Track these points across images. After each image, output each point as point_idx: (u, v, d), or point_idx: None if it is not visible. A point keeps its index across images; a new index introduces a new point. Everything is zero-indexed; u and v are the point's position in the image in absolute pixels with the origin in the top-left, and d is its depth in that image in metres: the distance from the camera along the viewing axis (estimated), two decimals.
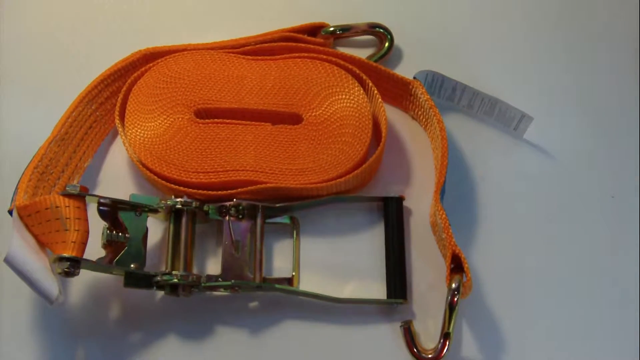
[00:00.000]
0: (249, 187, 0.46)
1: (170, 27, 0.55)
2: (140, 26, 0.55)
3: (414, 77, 0.49)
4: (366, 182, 0.49)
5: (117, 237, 0.44)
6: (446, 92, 0.50)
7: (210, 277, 0.46)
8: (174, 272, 0.44)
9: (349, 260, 0.47)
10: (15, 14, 0.55)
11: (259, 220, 0.47)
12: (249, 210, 0.47)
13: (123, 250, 0.44)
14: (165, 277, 0.44)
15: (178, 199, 0.46)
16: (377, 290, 0.46)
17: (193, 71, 0.49)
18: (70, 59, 0.54)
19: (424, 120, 0.50)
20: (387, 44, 0.52)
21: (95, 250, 0.43)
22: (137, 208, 0.45)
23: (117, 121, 0.48)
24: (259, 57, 0.50)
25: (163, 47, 0.50)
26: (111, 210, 0.45)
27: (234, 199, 0.46)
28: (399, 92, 0.50)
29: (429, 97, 0.48)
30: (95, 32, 0.55)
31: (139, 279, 0.44)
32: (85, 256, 0.42)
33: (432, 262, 0.47)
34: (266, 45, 0.50)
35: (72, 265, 0.41)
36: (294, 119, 0.48)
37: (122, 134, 0.48)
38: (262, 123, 0.48)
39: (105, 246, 0.44)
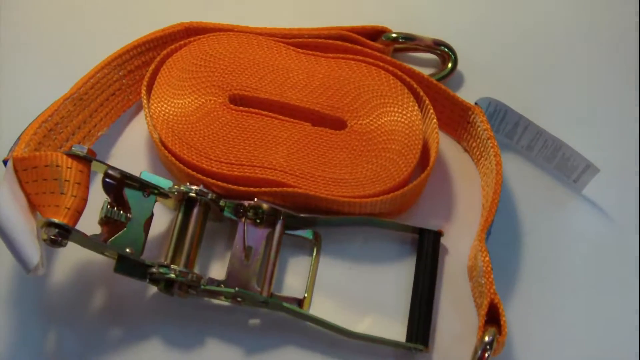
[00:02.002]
0: (274, 189, 0.41)
1: (221, 5, 0.51)
2: None
3: (475, 103, 0.44)
4: (404, 208, 0.44)
5: (118, 215, 0.39)
6: (506, 127, 0.45)
7: (211, 281, 0.40)
8: (172, 266, 0.39)
9: (370, 291, 0.42)
10: None
11: (277, 228, 0.42)
12: (269, 216, 0.42)
13: (121, 231, 0.39)
14: (161, 270, 0.39)
15: (193, 187, 0.41)
16: (397, 331, 0.41)
17: (236, 53, 0.45)
18: (108, 22, 0.50)
19: (477, 152, 0.45)
20: (450, 65, 0.47)
21: (90, 225, 0.38)
22: (146, 188, 0.40)
23: (143, 91, 0.43)
24: (310, 52, 0.45)
25: (208, 23, 0.46)
26: (117, 184, 0.40)
27: (255, 199, 0.41)
28: (455, 118, 0.45)
29: (489, 126, 0.43)
30: None
31: (132, 267, 0.39)
32: (78, 228, 0.37)
33: (462, 310, 0.41)
34: (320, 40, 0.45)
35: (61, 234, 0.36)
36: (337, 124, 0.43)
37: (145, 106, 0.43)
38: (301, 122, 0.43)
39: (102, 222, 0.39)
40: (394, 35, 0.46)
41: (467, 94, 0.46)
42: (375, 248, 0.43)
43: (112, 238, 0.39)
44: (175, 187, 0.41)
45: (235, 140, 0.42)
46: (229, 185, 0.41)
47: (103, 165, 0.39)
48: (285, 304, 0.40)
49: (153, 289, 0.41)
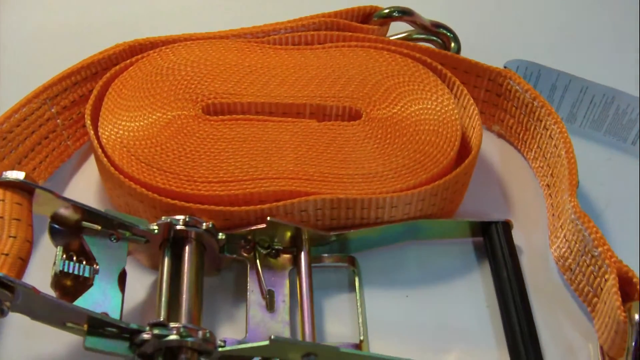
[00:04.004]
0: (292, 200, 0.30)
1: (170, 17, 0.43)
2: (133, 17, 0.43)
3: (504, 67, 0.36)
4: (452, 207, 0.34)
5: (80, 269, 0.27)
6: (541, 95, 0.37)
7: (230, 341, 0.28)
8: (172, 325, 0.27)
9: (442, 319, 0.31)
10: None
11: (303, 259, 0.31)
12: (287, 247, 0.31)
13: (87, 291, 0.27)
14: (157, 331, 0.26)
15: (179, 217, 0.29)
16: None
17: (200, 61, 0.35)
18: (36, 50, 0.41)
19: (519, 128, 0.36)
20: (453, 45, 0.39)
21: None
22: (114, 229, 0.29)
23: (87, 121, 0.32)
24: (293, 47, 0.37)
25: (157, 37, 0.36)
26: (72, 229, 0.28)
27: (268, 219, 0.30)
28: (481, 95, 0.37)
29: (529, 86, 0.35)
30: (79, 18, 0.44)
31: (111, 337, 0.26)
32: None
33: (565, 313, 0.31)
34: (301, 33, 0.37)
35: (1, 294, 0.23)
36: (349, 115, 0.34)
37: (94, 137, 0.32)
38: (304, 119, 0.34)
39: (57, 282, 0.27)
40: (386, 11, 0.38)
41: None
42: (431, 264, 0.33)
43: (77, 300, 0.26)
44: (155, 224, 0.29)
45: (223, 154, 0.32)
46: (228, 208, 0.30)
47: (50, 196, 0.27)
48: (344, 350, 0.28)
49: None
